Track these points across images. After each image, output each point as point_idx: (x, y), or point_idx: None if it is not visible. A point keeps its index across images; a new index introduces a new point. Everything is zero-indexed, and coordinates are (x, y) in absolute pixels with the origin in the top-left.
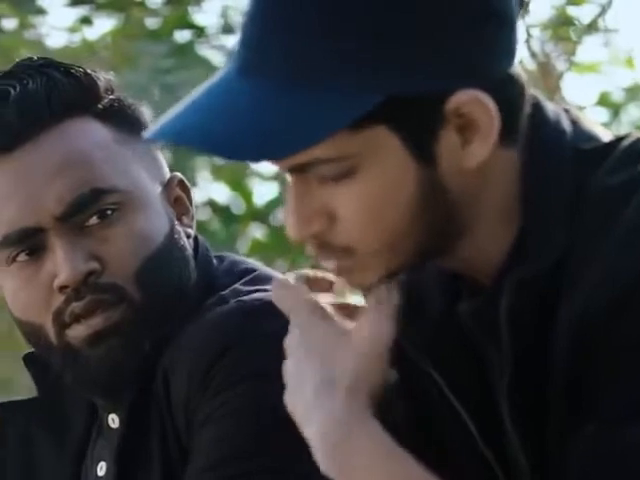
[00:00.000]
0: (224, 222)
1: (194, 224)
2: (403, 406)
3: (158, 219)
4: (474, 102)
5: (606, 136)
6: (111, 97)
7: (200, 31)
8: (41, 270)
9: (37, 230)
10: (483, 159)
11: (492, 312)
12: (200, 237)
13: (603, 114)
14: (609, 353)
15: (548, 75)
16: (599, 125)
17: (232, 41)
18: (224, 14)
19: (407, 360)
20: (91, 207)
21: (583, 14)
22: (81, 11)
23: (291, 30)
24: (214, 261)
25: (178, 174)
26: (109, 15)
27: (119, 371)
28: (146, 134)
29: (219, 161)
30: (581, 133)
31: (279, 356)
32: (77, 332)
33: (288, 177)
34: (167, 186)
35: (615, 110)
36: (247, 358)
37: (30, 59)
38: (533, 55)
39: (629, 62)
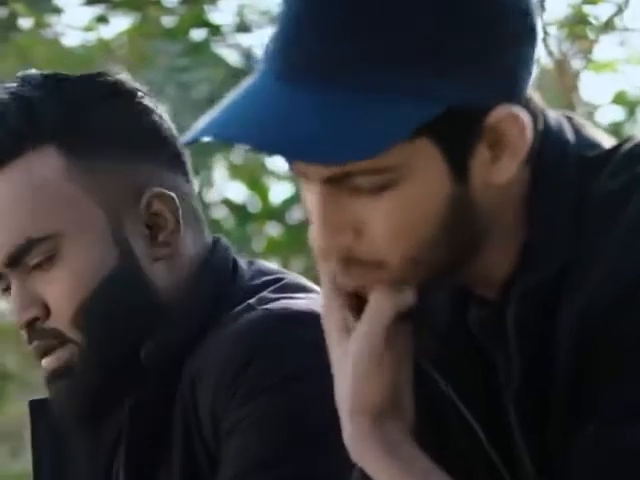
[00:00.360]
0: (240, 221)
1: (177, 236)
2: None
3: (101, 255)
4: (511, 118)
5: (609, 142)
6: (70, 123)
7: (216, 30)
8: None
9: (0, 274)
10: (511, 175)
11: (500, 321)
12: (223, 240)
13: (619, 112)
14: (610, 353)
15: (565, 74)
16: (601, 132)
17: (247, 39)
18: (240, 13)
19: (416, 368)
20: (29, 255)
21: (600, 13)
22: (97, 10)
23: (345, 32)
24: (242, 265)
25: (155, 188)
26: (125, 14)
27: (73, 410)
28: (196, 134)
29: (235, 159)
30: (584, 141)
31: (305, 364)
32: (44, 365)
33: (314, 186)
34: (138, 203)
35: (631, 109)
36: (272, 368)
37: None
38: (550, 54)
39: None
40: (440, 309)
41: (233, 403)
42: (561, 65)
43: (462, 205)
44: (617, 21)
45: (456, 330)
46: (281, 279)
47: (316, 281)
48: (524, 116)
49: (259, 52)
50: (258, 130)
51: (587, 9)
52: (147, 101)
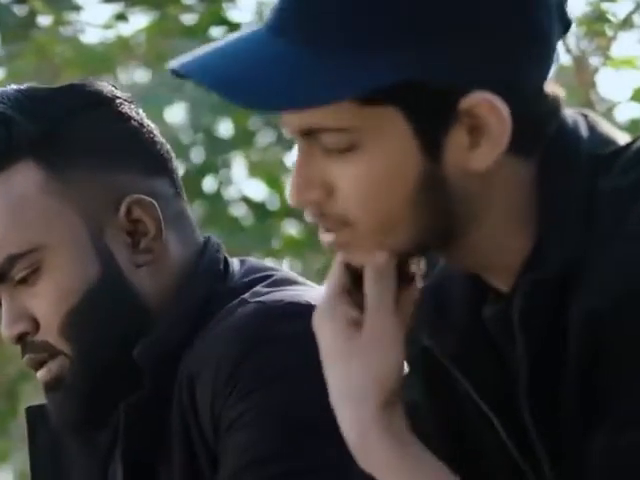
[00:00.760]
0: (259, 218)
1: (159, 242)
2: (433, 415)
3: (84, 266)
4: (488, 106)
5: (623, 140)
6: (46, 137)
7: (235, 27)
8: None
9: None
10: (489, 164)
11: (510, 315)
12: (213, 239)
13: (637, 109)
14: (618, 352)
15: (583, 71)
16: (616, 130)
17: None
18: (259, 10)
19: (435, 364)
20: (13, 271)
21: (618, 10)
22: (116, 7)
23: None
24: (233, 264)
25: (134, 195)
26: (144, 11)
27: (67, 420)
28: (177, 65)
29: (254, 157)
30: (598, 138)
31: (300, 356)
32: (38, 377)
33: (298, 143)
34: (118, 211)
35: None
36: (268, 362)
37: None
38: (568, 51)
39: None
40: (458, 305)
41: (231, 400)
42: (579, 62)
43: (435, 184)
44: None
45: (473, 327)
46: (272, 275)
47: None
48: (502, 106)
49: None
50: (225, 75)
51: (605, 6)
52: (125, 108)
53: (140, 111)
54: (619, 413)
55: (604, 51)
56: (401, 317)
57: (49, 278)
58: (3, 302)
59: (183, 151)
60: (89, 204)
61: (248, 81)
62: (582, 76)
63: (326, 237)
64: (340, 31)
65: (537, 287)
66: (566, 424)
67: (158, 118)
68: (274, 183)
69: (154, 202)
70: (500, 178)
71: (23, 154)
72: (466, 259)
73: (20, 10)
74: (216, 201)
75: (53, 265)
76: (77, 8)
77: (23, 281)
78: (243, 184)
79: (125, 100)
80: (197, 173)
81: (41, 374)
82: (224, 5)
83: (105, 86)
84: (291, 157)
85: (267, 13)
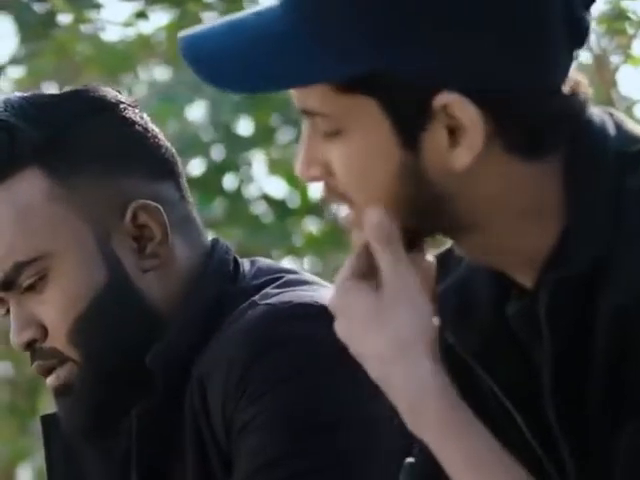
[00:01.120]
0: (279, 216)
1: (165, 246)
2: None
3: (91, 272)
4: (460, 106)
5: None
6: (51, 144)
7: None
8: None
9: None
10: (467, 164)
11: (535, 313)
12: (222, 241)
13: None
14: None
15: (604, 69)
16: None
17: None
18: None
19: (459, 362)
20: (20, 278)
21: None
22: (136, 5)
23: None
24: (244, 265)
25: (140, 200)
26: (164, 9)
27: (76, 426)
28: (185, 40)
29: (274, 155)
30: (625, 137)
31: (310, 357)
32: (47, 384)
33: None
34: (124, 217)
35: None
36: (278, 364)
37: None
38: (589, 49)
39: None
40: (482, 304)
41: (242, 403)
42: (600, 60)
43: (414, 176)
44: None
45: (497, 324)
46: (282, 276)
47: None
48: (469, 107)
49: None
50: (215, 56)
51: (626, 4)
52: (129, 113)
53: (144, 115)
54: None
55: (624, 49)
56: (418, 278)
57: (56, 285)
58: (11, 310)
59: (203, 149)
60: (95, 210)
61: (229, 59)
62: (602, 74)
63: (342, 211)
64: (321, 16)
65: (562, 285)
66: (593, 422)
67: (179, 116)
68: (294, 181)
69: (160, 207)
70: (519, 179)
71: (28, 161)
72: (484, 255)
73: (40, 8)
74: (236, 199)
75: (60, 272)
76: (97, 6)
77: (31, 288)
78: (263, 182)
79: (129, 105)
80: (217, 171)
81: (50, 380)
82: (244, 3)
83: (109, 91)
84: None
85: None
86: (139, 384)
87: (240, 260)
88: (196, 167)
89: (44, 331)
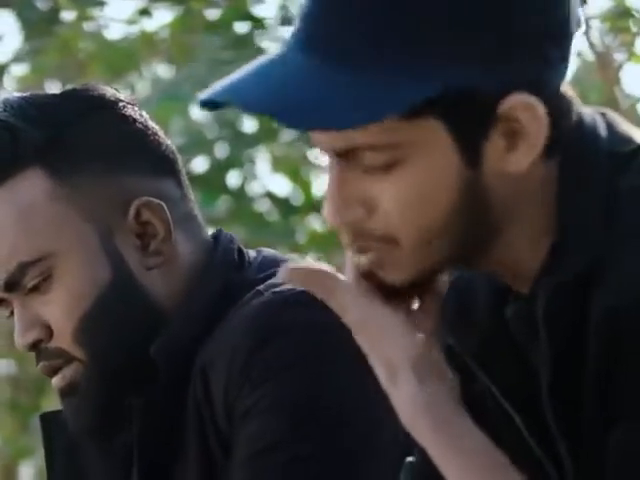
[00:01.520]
0: (283, 214)
1: (169, 243)
2: None
3: (95, 271)
4: (526, 108)
5: None
6: (52, 143)
7: (259, 23)
8: None
9: (1, 299)
10: (526, 166)
11: (532, 316)
12: (224, 232)
13: None
14: (635, 348)
15: (607, 67)
16: (634, 128)
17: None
18: (283, 6)
19: (459, 363)
20: (24, 279)
21: None
22: (140, 3)
23: (359, 9)
24: (249, 254)
25: (142, 198)
26: (168, 7)
27: (83, 426)
28: (208, 95)
29: (278, 152)
30: (616, 137)
31: (314, 344)
32: (53, 384)
33: (331, 162)
34: (127, 215)
35: None
36: (283, 349)
37: None
38: (592, 46)
39: None
40: (481, 306)
41: (246, 388)
42: (603, 58)
43: (475, 190)
44: None
45: (496, 327)
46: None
47: None
48: (539, 106)
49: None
50: (259, 93)
51: (630, 2)
52: (129, 111)
53: (144, 113)
54: (635, 409)
55: (628, 47)
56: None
57: (61, 285)
58: (16, 311)
59: (207, 146)
60: (97, 208)
61: (290, 102)
62: (606, 72)
63: (361, 259)
64: (371, 46)
65: (559, 288)
66: (587, 423)
67: (182, 114)
68: (298, 178)
69: (162, 204)
70: (533, 181)
71: (30, 161)
72: (488, 265)
73: (43, 5)
74: (240, 197)
75: (64, 271)
76: (101, 3)
77: (35, 289)
78: (267, 179)
79: (128, 103)
80: (221, 168)
81: (56, 381)
82: (248, 0)
83: (108, 89)
84: (314, 152)
85: (291, 9)
86: (145, 382)
87: (245, 250)
88: (200, 165)
89: (49, 331)
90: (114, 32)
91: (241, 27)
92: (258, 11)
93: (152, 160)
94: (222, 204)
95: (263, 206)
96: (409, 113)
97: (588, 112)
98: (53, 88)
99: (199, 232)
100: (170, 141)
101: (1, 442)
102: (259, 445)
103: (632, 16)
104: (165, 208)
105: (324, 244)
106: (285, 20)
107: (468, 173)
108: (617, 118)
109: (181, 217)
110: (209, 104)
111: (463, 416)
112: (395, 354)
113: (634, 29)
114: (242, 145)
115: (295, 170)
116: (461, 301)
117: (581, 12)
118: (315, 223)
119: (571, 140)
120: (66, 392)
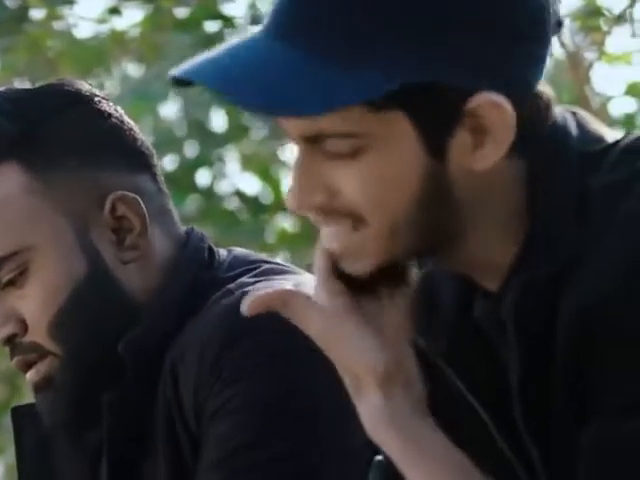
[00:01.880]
0: (252, 212)
1: (144, 238)
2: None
3: (70, 265)
4: (494, 106)
5: (612, 137)
6: (27, 138)
7: (229, 22)
8: None
9: None
10: (492, 164)
11: (500, 312)
12: (196, 230)
13: (632, 104)
14: (609, 346)
15: (577, 65)
16: (605, 126)
17: None
18: (253, 5)
19: (428, 362)
20: (0, 273)
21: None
22: (110, 1)
23: (330, 1)
24: (220, 253)
25: (118, 192)
26: (138, 5)
27: (58, 420)
28: (176, 72)
29: (247, 151)
30: (588, 136)
31: (285, 344)
32: (27, 379)
33: (298, 150)
34: (102, 209)
35: None
36: (252, 350)
37: None
38: (563, 46)
39: None
40: (447, 304)
41: (215, 388)
42: (574, 57)
43: (439, 183)
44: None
45: (464, 325)
46: (259, 266)
47: None
48: (506, 105)
49: None
50: (229, 77)
51: (600, 1)
52: (105, 106)
53: (119, 108)
54: (608, 406)
55: (599, 46)
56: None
57: (36, 279)
58: None
59: (177, 145)
60: (73, 203)
61: (257, 85)
62: (576, 71)
63: (332, 243)
64: (341, 36)
65: (528, 288)
66: (557, 421)
67: (152, 112)
68: (267, 177)
69: (138, 198)
70: (499, 178)
71: (5, 156)
72: (458, 263)
73: (12, 3)
74: (210, 195)
75: (40, 265)
76: (70, 2)
77: (11, 283)
78: (237, 178)
79: (104, 98)
80: (191, 167)
81: (30, 375)
82: None
83: (83, 85)
84: (284, 151)
85: (261, 8)
86: (119, 376)
87: (216, 249)
88: (169, 163)
89: (24, 325)
90: (84, 31)
91: (211, 26)
92: (228, 10)
93: (128, 155)
94: (192, 203)
95: (232, 205)
96: (374, 105)
97: (559, 111)
98: (23, 86)
99: (174, 227)
100: None
101: None
102: (233, 444)
103: (602, 15)
104: (141, 202)
105: (293, 243)
106: (255, 19)
107: (432, 166)
108: (588, 117)
109: (157, 211)
110: (178, 82)
111: (429, 427)
112: (359, 368)
113: (604, 28)
114: (211, 144)
115: (265, 169)
116: (428, 300)
117: (561, 13)
118: (285, 222)
119: (542, 139)
120: (40, 387)
